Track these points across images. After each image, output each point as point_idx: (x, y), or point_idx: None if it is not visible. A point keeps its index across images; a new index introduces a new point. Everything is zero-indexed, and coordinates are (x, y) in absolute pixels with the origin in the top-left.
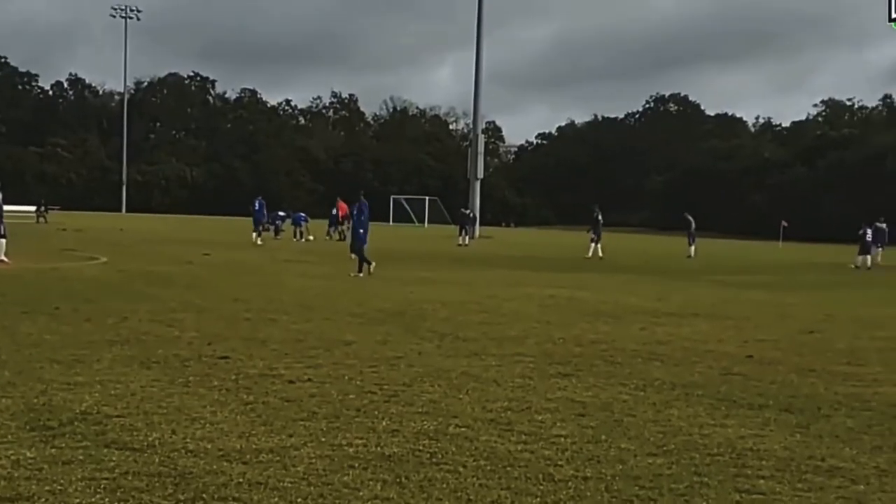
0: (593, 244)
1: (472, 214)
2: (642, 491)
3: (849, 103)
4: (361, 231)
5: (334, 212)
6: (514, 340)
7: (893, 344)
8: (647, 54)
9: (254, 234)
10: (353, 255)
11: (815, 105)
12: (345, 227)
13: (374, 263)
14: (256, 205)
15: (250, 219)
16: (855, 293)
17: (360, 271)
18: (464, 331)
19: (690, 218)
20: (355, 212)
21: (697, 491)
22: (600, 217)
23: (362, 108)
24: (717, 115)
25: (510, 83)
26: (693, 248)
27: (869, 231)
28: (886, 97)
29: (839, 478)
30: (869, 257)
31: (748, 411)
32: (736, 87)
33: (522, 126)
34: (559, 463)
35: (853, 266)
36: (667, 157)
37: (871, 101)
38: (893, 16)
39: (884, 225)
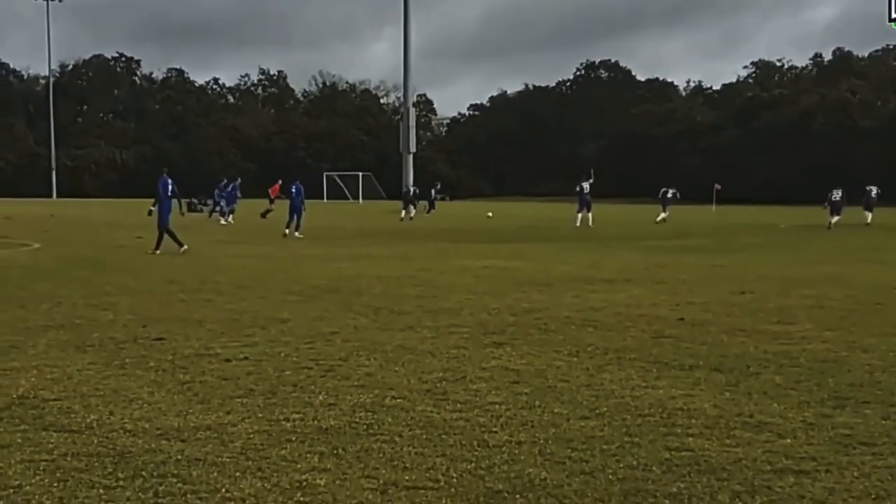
0: (580, 214)
1: (415, 190)
2: (574, 453)
3: (779, 64)
4: (165, 210)
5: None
6: (449, 312)
7: (821, 302)
8: (578, 22)
9: (223, 218)
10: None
11: (746, 67)
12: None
13: (185, 247)
14: (230, 187)
15: (184, 201)
16: (786, 254)
17: (157, 248)
18: (399, 304)
19: (668, 189)
20: (161, 189)
21: (628, 451)
22: (584, 187)
23: (291, 85)
24: (648, 81)
25: (442, 56)
26: (665, 214)
27: (837, 193)
28: (816, 56)
29: (767, 433)
30: (838, 217)
31: (679, 372)
32: (668, 52)
33: (454, 98)
34: (493, 429)
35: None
36: (599, 124)
37: (802, 62)
38: (893, 16)
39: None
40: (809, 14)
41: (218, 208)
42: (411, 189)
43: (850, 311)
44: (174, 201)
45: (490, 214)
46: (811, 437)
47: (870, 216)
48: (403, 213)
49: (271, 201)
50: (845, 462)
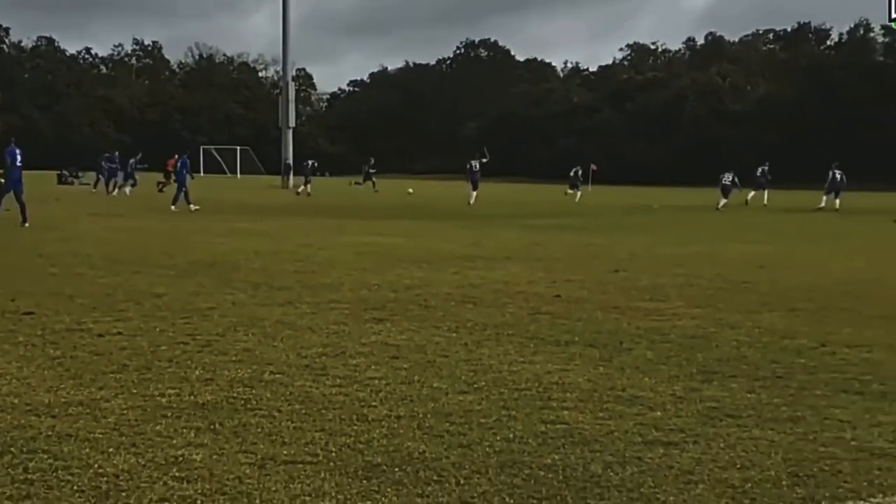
0: (474, 192)
1: (314, 164)
2: (453, 426)
3: (653, 47)
4: (5, 180)
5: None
6: (329, 288)
7: (691, 280)
8: (462, 0)
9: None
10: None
11: (621, 49)
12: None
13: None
14: (131, 162)
15: (54, 172)
16: (658, 234)
17: (24, 221)
18: (278, 280)
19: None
20: (8, 158)
21: (505, 424)
22: (473, 165)
23: (167, 56)
24: (528, 61)
25: (324, 30)
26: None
27: (728, 176)
28: (689, 39)
29: (638, 406)
30: (725, 200)
31: (555, 347)
32: (550, 33)
33: (335, 74)
34: (373, 404)
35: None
36: (479, 102)
37: (676, 45)
38: (894, 16)
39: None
40: None
41: (114, 180)
42: (309, 163)
43: (718, 289)
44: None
45: (410, 191)
46: (680, 410)
47: (754, 194)
48: (302, 187)
49: (168, 175)
50: (712, 434)
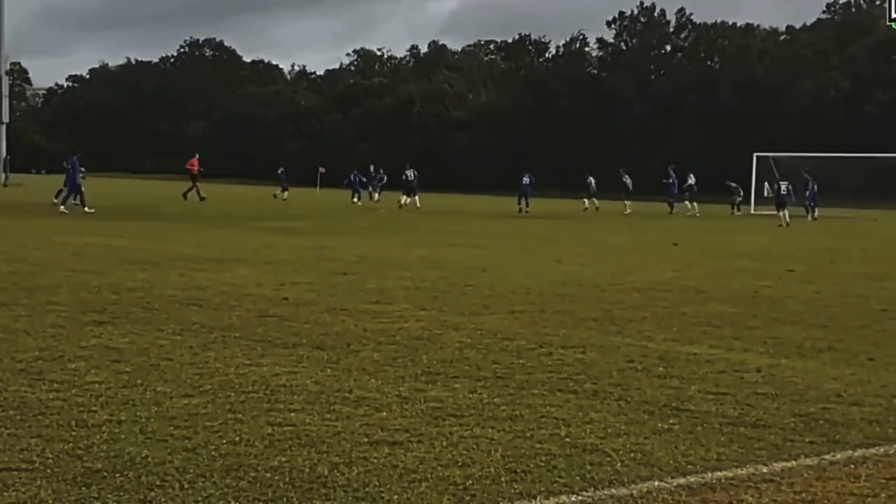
0: (406, 198)
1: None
2: (177, 430)
3: (379, 53)
4: None
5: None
6: (46, 289)
7: (417, 283)
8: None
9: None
10: None
11: (348, 54)
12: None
13: None
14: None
15: None
16: (385, 237)
17: None
18: None
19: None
20: None
21: (231, 427)
22: (415, 174)
23: None
24: (254, 62)
25: (49, 24)
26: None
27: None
28: (413, 47)
29: (364, 407)
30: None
31: (283, 350)
32: (284, 36)
33: (58, 69)
34: (93, 409)
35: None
36: (205, 102)
37: (401, 53)
38: (894, 16)
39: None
40: (434, 6)
41: None
42: (281, 170)
43: (442, 291)
44: None
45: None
46: (405, 410)
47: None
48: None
49: (195, 179)
50: (436, 433)
